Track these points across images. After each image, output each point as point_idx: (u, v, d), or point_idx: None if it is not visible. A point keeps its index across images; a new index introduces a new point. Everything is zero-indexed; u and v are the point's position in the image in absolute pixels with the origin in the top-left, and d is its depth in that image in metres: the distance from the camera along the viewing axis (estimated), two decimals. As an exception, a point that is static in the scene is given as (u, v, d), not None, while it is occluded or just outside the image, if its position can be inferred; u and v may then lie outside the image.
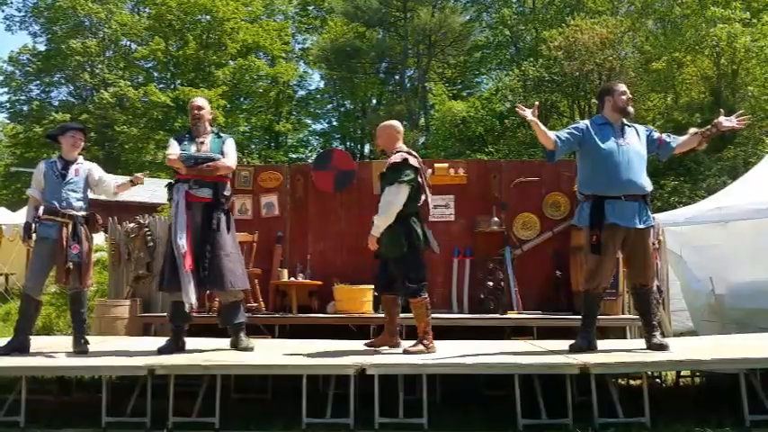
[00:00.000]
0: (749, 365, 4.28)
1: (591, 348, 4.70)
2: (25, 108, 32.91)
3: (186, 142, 5.17)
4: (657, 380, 5.85)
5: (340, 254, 7.12)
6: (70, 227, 5.11)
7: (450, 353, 4.68)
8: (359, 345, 5.28)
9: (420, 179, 4.88)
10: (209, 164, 5.06)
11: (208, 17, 32.20)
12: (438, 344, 4.92)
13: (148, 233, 7.20)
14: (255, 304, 6.65)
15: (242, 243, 6.76)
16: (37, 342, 5.46)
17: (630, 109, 4.80)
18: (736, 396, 4.23)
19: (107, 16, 32.78)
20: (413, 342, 4.94)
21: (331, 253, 7.18)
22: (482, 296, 6.76)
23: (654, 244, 5.72)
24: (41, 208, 5.14)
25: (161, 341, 5.21)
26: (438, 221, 7.12)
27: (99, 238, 5.93)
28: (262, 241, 7.01)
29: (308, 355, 4.71)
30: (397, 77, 31.55)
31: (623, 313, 6.41)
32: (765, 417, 4.13)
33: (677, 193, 14.19)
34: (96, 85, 32.28)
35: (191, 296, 4.84)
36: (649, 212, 4.72)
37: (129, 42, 34.26)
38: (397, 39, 29.66)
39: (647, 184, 4.71)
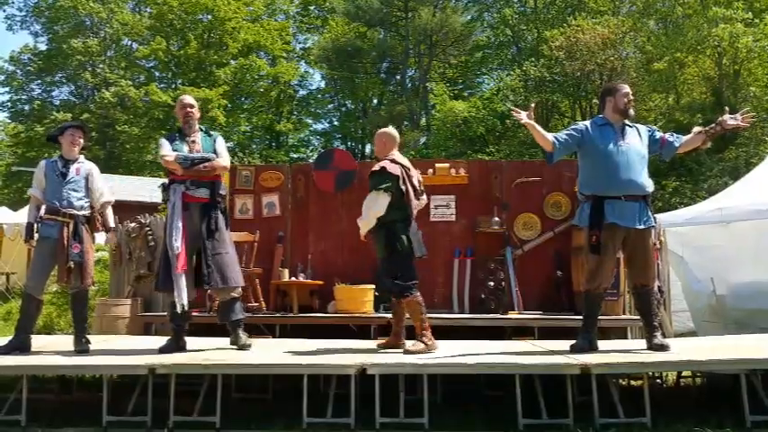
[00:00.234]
0: (750, 366, 4.27)
1: (592, 349, 4.69)
2: (26, 107, 32.95)
3: (177, 142, 5.15)
4: (658, 380, 5.85)
5: (341, 254, 7.12)
6: (71, 226, 5.11)
7: (451, 353, 4.67)
8: (360, 344, 5.29)
9: (404, 186, 4.91)
10: (206, 164, 5.05)
11: (209, 17, 32.24)
12: (439, 344, 4.92)
13: (149, 233, 7.21)
14: (256, 304, 6.65)
15: (243, 243, 6.79)
16: (38, 341, 5.47)
17: (631, 111, 4.79)
18: (736, 396, 4.22)
19: (108, 16, 32.81)
20: (412, 342, 4.94)
21: (332, 253, 7.18)
22: (483, 296, 6.76)
23: (655, 244, 5.72)
24: (43, 207, 5.15)
25: (162, 340, 5.22)
26: (439, 221, 7.14)
27: (100, 238, 5.92)
28: (263, 241, 7.01)
29: (309, 355, 4.71)
30: (398, 77, 31.55)
31: (624, 314, 6.41)
32: (766, 417, 4.12)
33: (678, 193, 14.21)
34: (97, 85, 32.30)
35: (182, 297, 4.85)
36: (650, 213, 4.71)
37: (130, 42, 34.29)
38: (399, 39, 29.67)
39: (648, 185, 4.70)
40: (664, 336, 4.95)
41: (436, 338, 4.93)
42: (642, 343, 4.85)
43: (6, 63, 32.85)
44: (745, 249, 7.11)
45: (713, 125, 4.83)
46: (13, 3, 34.14)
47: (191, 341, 5.24)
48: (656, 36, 20.26)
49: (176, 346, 5.02)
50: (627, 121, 4.80)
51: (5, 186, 31.43)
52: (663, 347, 4.57)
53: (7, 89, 33.21)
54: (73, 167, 5.24)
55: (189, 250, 4.99)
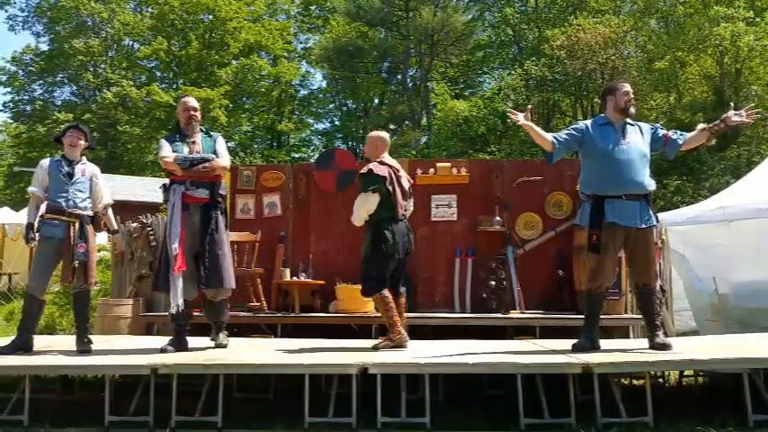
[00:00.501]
0: (752, 365, 4.27)
1: (594, 348, 4.69)
2: (28, 108, 32.97)
3: (178, 143, 5.16)
4: (660, 379, 5.85)
5: (342, 253, 7.11)
6: (77, 225, 5.13)
7: (453, 352, 4.67)
8: (361, 344, 5.29)
9: (391, 186, 5.05)
10: (206, 165, 5.06)
11: (210, 17, 32.23)
12: (440, 343, 4.92)
13: (151, 233, 7.21)
14: (258, 304, 6.65)
15: (244, 242, 6.80)
16: (40, 341, 5.47)
17: (632, 109, 4.78)
18: (739, 396, 4.22)
19: (110, 16, 32.82)
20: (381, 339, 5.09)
21: (333, 252, 7.18)
22: (484, 296, 6.76)
23: (656, 243, 5.71)
24: (43, 206, 5.15)
25: (164, 340, 5.22)
26: (440, 221, 7.14)
27: (101, 238, 5.93)
28: (264, 241, 7.01)
29: (311, 355, 4.72)
30: (399, 77, 31.54)
31: (626, 313, 6.41)
32: (768, 416, 4.12)
33: (680, 192, 14.20)
34: (99, 85, 32.32)
35: (177, 298, 4.87)
36: (651, 212, 4.70)
37: (131, 42, 34.30)
38: (400, 38, 29.65)
39: (649, 184, 4.69)
40: (666, 335, 4.96)
41: (437, 338, 4.95)
42: (644, 342, 4.85)
43: (8, 63, 32.89)
44: (747, 248, 7.09)
45: (717, 122, 4.80)
46: (14, 3, 34.20)
47: (192, 341, 5.25)
48: (658, 35, 20.25)
49: (178, 345, 5.03)
50: (629, 120, 4.79)
51: (7, 187, 31.48)
52: (665, 347, 4.56)
53: (9, 89, 33.25)
54: (78, 168, 5.26)
55: (188, 250, 5.00)
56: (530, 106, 4.96)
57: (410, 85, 30.58)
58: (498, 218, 6.99)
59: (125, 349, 5.17)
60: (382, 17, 28.61)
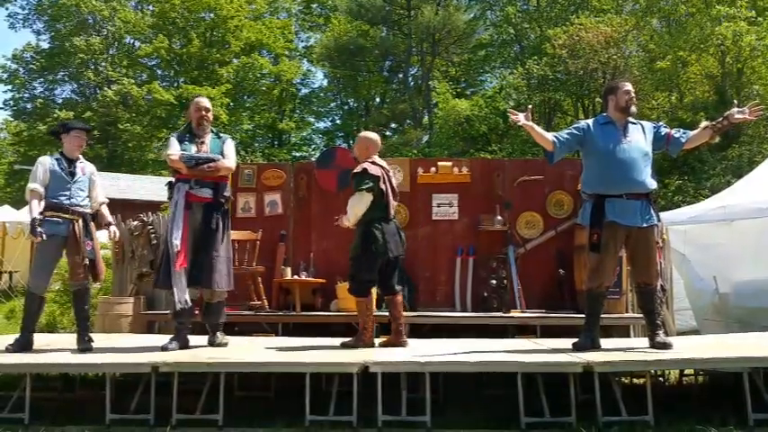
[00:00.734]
0: (753, 364, 4.27)
1: (594, 347, 4.69)
2: (29, 106, 32.99)
3: (187, 141, 5.18)
4: (661, 378, 5.84)
5: (343, 252, 7.01)
6: (81, 223, 5.14)
7: (454, 351, 4.67)
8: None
9: (383, 186, 5.11)
10: (210, 165, 5.07)
11: (211, 15, 32.25)
12: (441, 342, 4.92)
13: (152, 231, 7.21)
14: (259, 302, 6.65)
15: (245, 241, 6.79)
16: (41, 339, 5.48)
17: (633, 108, 4.77)
18: (739, 395, 4.22)
19: (111, 14, 32.81)
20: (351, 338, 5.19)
21: (334, 251, 7.15)
22: (485, 295, 6.76)
23: (657, 243, 5.71)
24: (42, 204, 5.15)
25: (165, 338, 5.23)
26: (441, 220, 7.15)
27: (101, 236, 5.94)
28: (265, 239, 7.01)
29: (312, 354, 4.72)
30: (400, 76, 31.56)
31: (627, 312, 6.40)
32: (768, 415, 4.12)
33: (681, 191, 14.19)
34: (100, 83, 32.32)
35: (180, 294, 4.87)
36: (652, 211, 4.69)
37: (132, 40, 34.30)
38: (401, 37, 29.66)
39: (651, 183, 4.68)
40: (666, 334, 4.96)
41: (438, 337, 4.95)
42: (645, 341, 4.85)
43: (9, 61, 32.91)
44: (747, 247, 7.10)
45: (721, 119, 4.77)
46: (15, 1, 34.20)
47: (193, 339, 5.26)
48: (659, 34, 20.21)
49: (179, 344, 5.03)
50: (631, 119, 4.78)
51: (8, 185, 31.50)
52: (665, 346, 4.56)
53: (10, 87, 33.26)
54: (78, 167, 5.28)
55: (189, 248, 5.00)
56: (530, 106, 4.95)
57: (411, 83, 30.59)
58: (499, 217, 6.99)
59: (126, 347, 5.17)
60: (384, 15, 28.62)
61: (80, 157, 5.37)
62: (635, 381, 5.54)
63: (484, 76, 32.63)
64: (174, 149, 5.10)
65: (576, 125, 4.92)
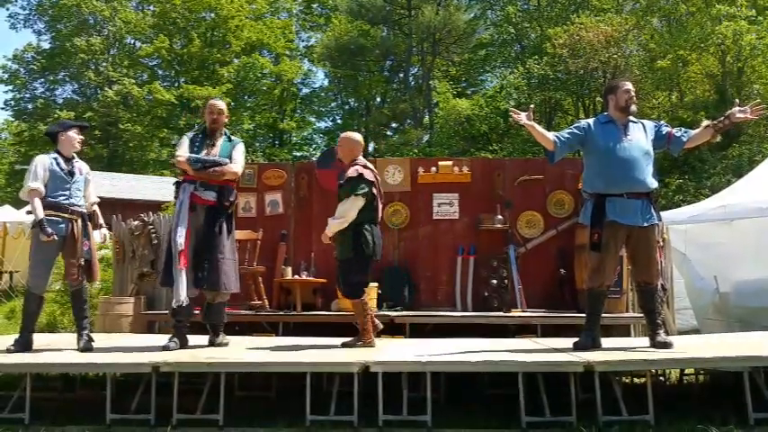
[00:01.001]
0: (753, 363, 4.26)
1: (595, 346, 4.69)
2: (30, 106, 33.03)
3: (198, 143, 5.19)
4: (661, 378, 5.84)
5: (344, 252, 7.09)
6: (80, 223, 5.14)
7: (454, 351, 4.67)
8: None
9: (375, 190, 5.15)
10: (216, 169, 5.08)
11: (212, 15, 32.30)
12: (442, 342, 4.92)
13: (153, 231, 7.22)
14: (259, 302, 6.66)
15: (246, 241, 6.80)
16: (41, 339, 5.47)
17: (633, 107, 4.76)
18: (740, 394, 4.21)
19: (111, 14, 32.86)
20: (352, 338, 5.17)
21: (335, 251, 7.16)
22: (486, 294, 6.76)
23: (658, 242, 5.70)
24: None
25: (165, 338, 5.22)
26: (442, 219, 7.15)
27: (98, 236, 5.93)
28: (266, 239, 7.02)
29: (313, 353, 4.72)
30: (401, 75, 31.55)
31: (627, 311, 6.40)
32: (769, 415, 4.12)
33: (682, 191, 14.18)
34: (101, 83, 32.35)
35: (180, 293, 4.88)
36: (653, 210, 4.68)
37: (133, 40, 34.35)
38: (402, 36, 29.66)
39: (652, 182, 4.67)
40: (667, 333, 4.95)
41: (439, 336, 4.94)
42: (645, 341, 4.84)
43: (10, 61, 33.00)
44: (748, 247, 7.09)
45: (722, 118, 4.76)
46: (16, 1, 34.27)
47: (194, 339, 5.26)
48: (660, 34, 20.21)
49: (179, 343, 5.04)
50: (632, 118, 4.78)
51: (8, 185, 31.50)
52: (666, 345, 4.56)
53: (10, 87, 33.32)
54: (76, 166, 5.27)
55: (192, 249, 5.01)
56: (531, 106, 4.94)
57: (412, 83, 30.59)
58: (500, 216, 6.99)
59: (126, 347, 5.17)
60: (384, 15, 28.61)
61: (75, 155, 5.35)
62: (635, 380, 5.53)
63: (484, 75, 32.64)
64: (183, 150, 5.12)
65: (576, 124, 4.91)
